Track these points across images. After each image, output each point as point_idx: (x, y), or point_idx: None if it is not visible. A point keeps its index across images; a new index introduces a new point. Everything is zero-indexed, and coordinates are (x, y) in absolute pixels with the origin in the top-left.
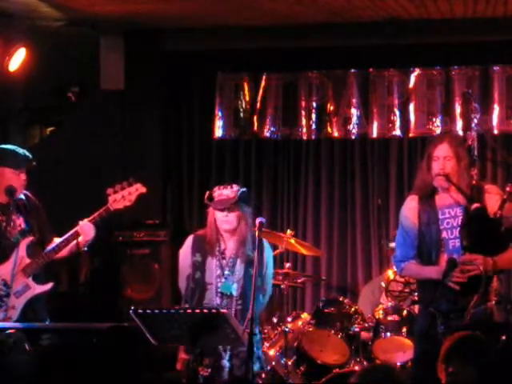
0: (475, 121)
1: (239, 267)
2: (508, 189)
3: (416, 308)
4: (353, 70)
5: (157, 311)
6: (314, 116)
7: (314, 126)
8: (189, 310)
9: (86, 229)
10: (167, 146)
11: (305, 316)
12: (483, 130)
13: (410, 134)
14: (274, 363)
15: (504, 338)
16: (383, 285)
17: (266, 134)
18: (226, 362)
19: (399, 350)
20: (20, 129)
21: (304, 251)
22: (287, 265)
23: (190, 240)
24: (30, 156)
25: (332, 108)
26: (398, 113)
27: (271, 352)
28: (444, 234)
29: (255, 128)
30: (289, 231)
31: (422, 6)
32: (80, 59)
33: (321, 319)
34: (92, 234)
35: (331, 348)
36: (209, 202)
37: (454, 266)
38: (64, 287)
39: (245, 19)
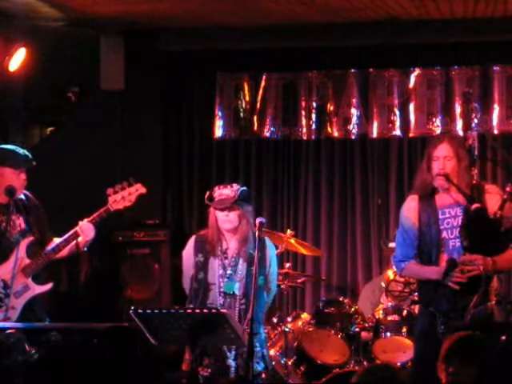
0: (475, 121)
1: (241, 266)
2: (508, 189)
3: (416, 308)
4: (353, 70)
5: (157, 311)
6: (313, 116)
7: (314, 126)
8: (189, 310)
9: (85, 229)
10: (167, 146)
11: (305, 316)
12: (483, 130)
13: (410, 134)
14: (273, 363)
15: (504, 338)
16: (383, 285)
17: (266, 134)
18: (231, 362)
19: (399, 350)
20: (20, 129)
21: (304, 251)
22: (287, 265)
23: (192, 241)
24: (30, 156)
25: (332, 108)
26: (398, 113)
27: (271, 352)
28: (444, 234)
29: (255, 128)
30: (289, 231)
31: (421, 6)
32: (80, 59)
33: (321, 319)
34: (92, 234)
35: (331, 348)
36: (209, 202)
37: (454, 266)
38: (64, 287)
39: (245, 19)
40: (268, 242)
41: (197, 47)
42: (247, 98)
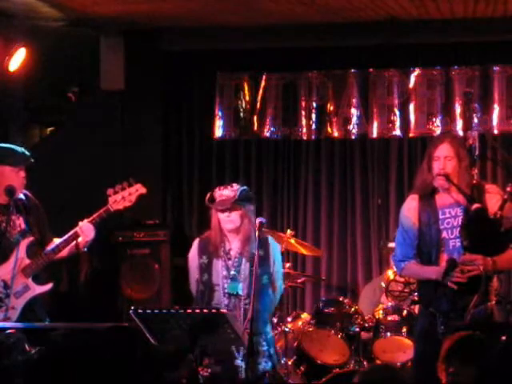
0: (475, 120)
1: (244, 266)
2: (508, 189)
3: (416, 308)
4: (353, 70)
5: (157, 311)
6: (313, 116)
7: (314, 126)
8: (189, 310)
9: (85, 229)
10: (167, 146)
11: (305, 316)
12: (483, 130)
13: (410, 134)
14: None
15: (504, 338)
16: (383, 285)
17: (266, 133)
18: (239, 362)
19: (399, 350)
20: (20, 129)
21: (304, 251)
22: (287, 265)
23: (195, 243)
24: (28, 154)
25: (332, 108)
26: (398, 113)
27: None
28: (444, 234)
29: (255, 128)
30: (289, 231)
31: (421, 6)
32: (80, 59)
33: (321, 319)
34: (92, 234)
35: (331, 348)
36: (210, 204)
37: (454, 266)
38: (64, 287)
39: (245, 19)
40: (271, 240)
41: (197, 47)
42: (247, 98)
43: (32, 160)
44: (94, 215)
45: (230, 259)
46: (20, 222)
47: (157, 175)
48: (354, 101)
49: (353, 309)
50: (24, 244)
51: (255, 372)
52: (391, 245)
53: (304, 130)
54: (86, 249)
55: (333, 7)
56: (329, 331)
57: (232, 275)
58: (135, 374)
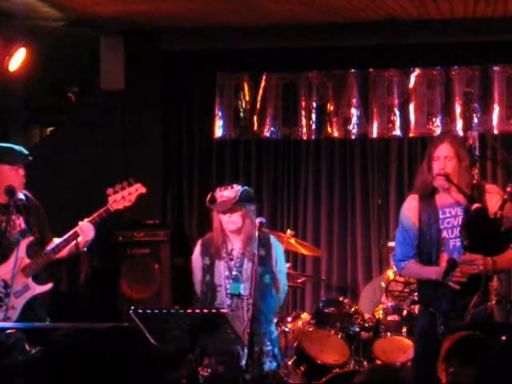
0: (475, 120)
1: (246, 266)
2: (509, 189)
3: (416, 308)
4: (353, 70)
5: (157, 311)
6: (313, 116)
7: (314, 126)
8: (189, 310)
9: (85, 229)
10: (167, 146)
11: (305, 316)
12: (483, 130)
13: (410, 134)
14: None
15: (504, 338)
16: (383, 285)
17: (266, 133)
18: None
19: (399, 350)
20: (20, 129)
21: (304, 251)
22: (287, 265)
23: (198, 244)
24: (27, 152)
25: (332, 108)
26: (398, 113)
27: None
28: (444, 234)
29: (255, 128)
30: (289, 231)
31: (421, 6)
32: (80, 59)
33: (321, 319)
34: (92, 234)
35: (331, 348)
36: (211, 205)
37: (454, 266)
38: (64, 287)
39: (245, 19)
40: (273, 240)
41: (197, 47)
42: (247, 98)
43: (30, 158)
44: (94, 215)
45: (232, 260)
46: (20, 222)
47: (157, 175)
48: (354, 101)
49: (353, 309)
50: (24, 244)
51: (260, 372)
52: (391, 244)
53: (304, 130)
54: (85, 248)
55: (333, 7)
56: (329, 331)
57: (234, 275)
58: (135, 374)
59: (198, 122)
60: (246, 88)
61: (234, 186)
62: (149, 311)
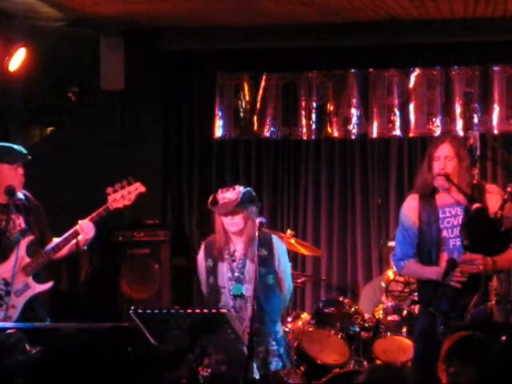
0: (475, 120)
1: (249, 267)
2: (509, 189)
3: (416, 308)
4: (353, 70)
5: (157, 311)
6: (313, 116)
7: (314, 126)
8: (189, 310)
9: (85, 228)
10: (167, 146)
11: (305, 316)
12: (483, 130)
13: (410, 134)
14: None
15: (504, 338)
16: (383, 285)
17: (266, 133)
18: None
19: (399, 350)
20: (20, 129)
21: (304, 251)
22: None
23: (202, 246)
24: (26, 151)
25: (332, 108)
26: (398, 113)
27: None
28: (444, 233)
29: (255, 128)
30: (289, 231)
31: (421, 6)
32: (80, 59)
33: (321, 319)
34: (92, 233)
35: (331, 348)
36: (212, 207)
37: (454, 266)
38: (64, 286)
39: (245, 19)
40: (276, 240)
41: (197, 47)
42: (247, 98)
43: (30, 157)
44: (94, 214)
45: (234, 261)
46: (20, 222)
47: (157, 175)
48: (354, 101)
49: (353, 309)
50: (24, 243)
51: (266, 371)
52: (391, 243)
53: (304, 129)
54: (86, 247)
55: (333, 7)
56: (329, 331)
57: (236, 277)
58: (135, 374)
59: (198, 121)
60: (246, 88)
61: (236, 187)
62: (149, 311)
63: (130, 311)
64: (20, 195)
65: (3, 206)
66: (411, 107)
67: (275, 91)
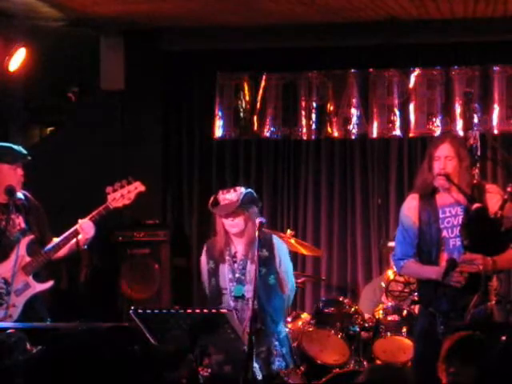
0: (475, 120)
1: (250, 268)
2: (509, 189)
3: (416, 308)
4: (353, 70)
5: (157, 311)
6: (313, 116)
7: (314, 126)
8: (189, 310)
9: (85, 227)
10: (167, 146)
11: (305, 316)
12: (483, 130)
13: (410, 134)
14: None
15: (504, 338)
16: (383, 285)
17: (266, 134)
18: (254, 363)
19: (399, 350)
20: (20, 129)
21: (304, 251)
22: None
23: (204, 249)
24: (26, 151)
25: (332, 108)
26: (398, 113)
27: None
28: (444, 233)
29: (255, 128)
30: (289, 231)
31: (421, 6)
32: (80, 59)
33: (321, 319)
34: (92, 232)
35: (331, 348)
36: (213, 208)
37: (454, 266)
38: (64, 285)
39: (245, 19)
40: (276, 240)
41: (197, 47)
42: (247, 98)
43: (29, 158)
44: (94, 213)
45: (235, 262)
46: (20, 221)
47: (157, 175)
48: (354, 101)
49: (353, 309)
50: (24, 242)
51: (269, 371)
52: (391, 244)
53: (304, 130)
54: (86, 246)
55: (333, 7)
56: (329, 331)
57: (237, 278)
58: (135, 374)
59: (198, 121)
60: (246, 88)
61: (237, 188)
62: (149, 311)
63: (130, 311)
64: (20, 195)
65: (3, 206)
66: (411, 107)
67: (275, 91)
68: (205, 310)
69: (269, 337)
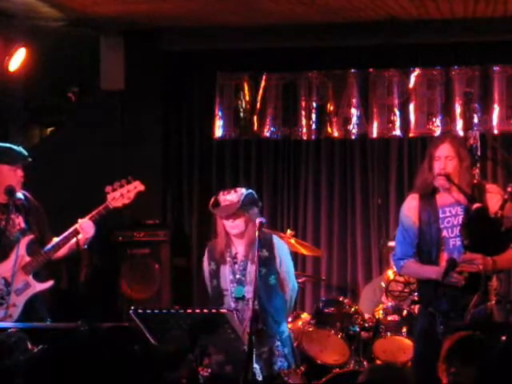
0: (475, 120)
1: (250, 269)
2: (509, 189)
3: (416, 308)
4: (353, 70)
5: (157, 311)
6: (313, 116)
7: (314, 126)
8: (189, 310)
9: (85, 226)
10: (167, 146)
11: (305, 316)
12: (483, 130)
13: (410, 134)
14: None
15: (504, 338)
16: (383, 285)
17: (266, 134)
18: (255, 364)
19: (399, 350)
20: (20, 129)
21: (304, 251)
22: None
23: (206, 250)
24: (26, 153)
25: (332, 108)
26: (398, 113)
27: None
28: (444, 233)
29: (255, 128)
30: (289, 231)
31: (421, 6)
32: (80, 59)
33: (321, 319)
34: (92, 231)
35: (331, 348)
36: (214, 209)
37: (454, 266)
38: (64, 285)
39: (245, 19)
40: (276, 240)
41: (197, 47)
42: (247, 98)
43: (30, 159)
44: (93, 212)
45: (236, 263)
46: (19, 221)
47: (157, 175)
48: (354, 101)
49: (353, 309)
50: (24, 242)
51: (271, 372)
52: (391, 243)
53: (304, 130)
54: (86, 246)
55: (333, 7)
56: (329, 331)
57: (238, 279)
58: (135, 374)
59: (198, 121)
60: (246, 88)
61: (238, 189)
62: (149, 311)
63: (130, 311)
64: (20, 195)
65: (3, 206)
66: (411, 107)
67: (275, 91)
68: (205, 310)
69: (271, 337)
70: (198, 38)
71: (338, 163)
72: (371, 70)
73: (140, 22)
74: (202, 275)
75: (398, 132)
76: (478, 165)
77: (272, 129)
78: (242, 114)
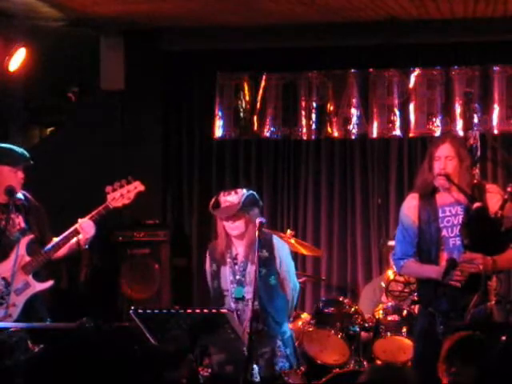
0: (475, 120)
1: (250, 270)
2: (509, 189)
3: (416, 308)
4: (353, 70)
5: (157, 311)
6: (313, 116)
7: (314, 126)
8: (189, 310)
9: (85, 226)
10: (167, 146)
11: (305, 316)
12: (483, 130)
13: (410, 134)
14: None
15: (504, 338)
16: (383, 285)
17: (266, 134)
18: (253, 365)
19: (399, 350)
20: (20, 129)
21: (304, 251)
22: None
23: (207, 252)
24: (27, 154)
25: (332, 108)
26: (398, 113)
27: None
28: (444, 233)
29: (255, 128)
30: (289, 231)
31: (421, 6)
32: (80, 59)
33: (321, 319)
34: (92, 231)
35: (331, 348)
36: (214, 210)
37: (454, 265)
38: (64, 285)
39: (245, 19)
40: (276, 240)
41: (197, 47)
42: (247, 98)
43: (31, 161)
44: (93, 212)
45: (236, 264)
46: (19, 221)
47: (157, 175)
48: (354, 101)
49: (353, 309)
50: (24, 241)
51: (273, 372)
52: (391, 243)
53: (304, 130)
54: (86, 246)
55: (333, 7)
56: (329, 331)
57: (238, 280)
58: (135, 374)
59: (198, 121)
60: (246, 88)
61: (238, 190)
62: (149, 311)
63: (130, 311)
64: (20, 195)
65: (3, 206)
66: (411, 107)
67: (275, 91)
68: (205, 310)
69: (272, 338)
70: (198, 37)
71: (337, 163)
72: (371, 70)
73: (140, 22)
74: (202, 275)
75: (398, 132)
76: (478, 165)
77: (272, 129)
78: (242, 114)
